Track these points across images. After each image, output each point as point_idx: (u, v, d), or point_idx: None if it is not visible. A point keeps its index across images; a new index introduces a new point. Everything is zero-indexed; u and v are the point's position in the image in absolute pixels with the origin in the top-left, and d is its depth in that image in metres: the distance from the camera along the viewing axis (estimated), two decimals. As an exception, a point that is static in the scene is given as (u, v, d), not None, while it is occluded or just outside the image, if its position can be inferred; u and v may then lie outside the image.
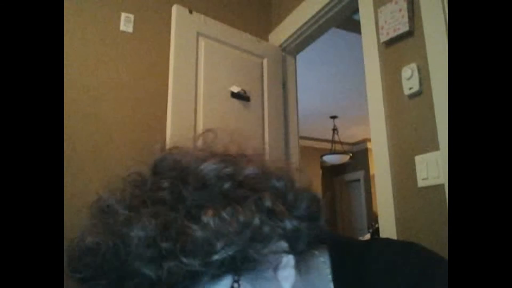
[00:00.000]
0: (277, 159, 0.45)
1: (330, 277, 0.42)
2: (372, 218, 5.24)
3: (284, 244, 0.37)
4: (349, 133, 6.07)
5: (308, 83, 4.06)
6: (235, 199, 0.36)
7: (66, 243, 0.37)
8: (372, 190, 5.87)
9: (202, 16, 1.92)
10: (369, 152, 6.30)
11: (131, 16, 1.89)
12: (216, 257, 0.32)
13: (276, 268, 0.37)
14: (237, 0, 2.27)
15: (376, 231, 4.01)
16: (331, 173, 7.03)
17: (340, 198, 7.11)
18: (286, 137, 2.18)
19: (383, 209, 1.39)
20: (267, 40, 2.30)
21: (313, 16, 1.98)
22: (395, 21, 1.38)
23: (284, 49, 2.27)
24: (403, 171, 1.34)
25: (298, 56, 2.39)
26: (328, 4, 1.87)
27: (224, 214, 0.34)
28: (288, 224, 0.37)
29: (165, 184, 0.36)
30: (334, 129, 5.53)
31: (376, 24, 1.50)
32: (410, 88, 1.32)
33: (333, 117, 5.39)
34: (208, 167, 0.38)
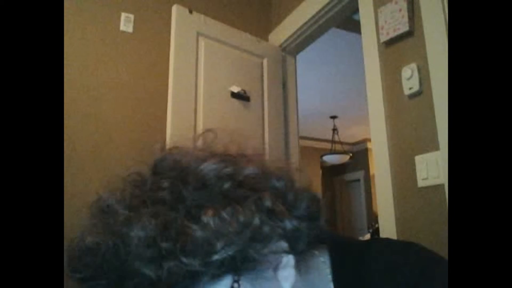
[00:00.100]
0: (277, 159, 0.45)
1: (330, 277, 0.42)
2: (372, 218, 5.25)
3: (284, 244, 0.37)
4: (349, 133, 6.07)
5: (308, 83, 4.06)
6: (235, 199, 0.36)
7: (66, 243, 0.37)
8: (372, 190, 5.87)
9: (202, 16, 1.92)
10: (369, 152, 6.30)
11: (131, 16, 1.89)
12: (216, 257, 0.32)
13: (276, 268, 0.37)
14: (237, 0, 2.27)
15: (376, 231, 4.01)
16: (331, 173, 7.03)
17: (340, 198, 7.11)
18: (286, 137, 2.18)
19: (383, 209, 1.39)
20: (267, 40, 2.30)
21: (313, 16, 1.98)
22: (395, 21, 1.38)
23: (284, 49, 2.27)
24: (403, 171, 1.34)
25: (298, 56, 2.39)
26: (328, 4, 1.87)
27: (224, 214, 0.34)
28: (288, 224, 0.37)
29: (165, 184, 0.36)
30: (334, 129, 5.53)
31: (376, 24, 1.50)
32: (410, 88, 1.32)
33: (333, 117, 5.39)
34: (208, 167, 0.38)
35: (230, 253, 0.33)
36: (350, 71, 3.84)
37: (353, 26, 2.70)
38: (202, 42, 1.89)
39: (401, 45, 1.39)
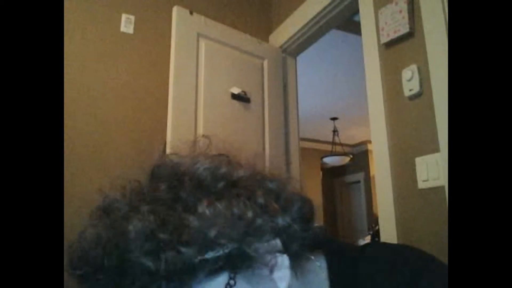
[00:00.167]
0: (270, 167, 0.46)
1: (326, 281, 0.42)
2: (373, 220, 5.24)
3: (278, 243, 0.38)
4: (350, 135, 6.07)
5: (309, 85, 4.06)
6: (229, 196, 0.37)
7: (66, 243, 0.37)
8: (372, 191, 5.87)
9: (203, 17, 1.92)
10: (369, 154, 6.30)
11: (132, 17, 1.89)
12: (211, 253, 0.33)
13: (271, 269, 0.37)
14: (237, 1, 2.28)
15: (376, 233, 4.01)
16: (332, 174, 7.03)
17: (340, 200, 7.11)
18: (287, 138, 2.18)
19: (383, 210, 1.39)
20: (267, 41, 2.31)
21: (314, 18, 1.98)
22: (395, 22, 1.38)
23: (284, 50, 2.27)
24: (403, 172, 1.34)
25: (298, 57, 2.39)
26: (328, 5, 1.87)
27: (218, 205, 0.35)
28: (281, 221, 0.38)
29: (163, 186, 0.38)
30: (335, 131, 5.53)
31: (376, 25, 1.50)
32: (410, 90, 1.32)
33: (334, 119, 5.40)
34: (203, 168, 0.39)
35: (225, 247, 0.34)
36: (350, 72, 3.84)
37: (354, 27, 2.70)
38: (202, 43, 1.89)
39: (401, 47, 1.40)
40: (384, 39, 1.43)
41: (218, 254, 0.34)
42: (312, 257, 0.43)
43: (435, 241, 1.18)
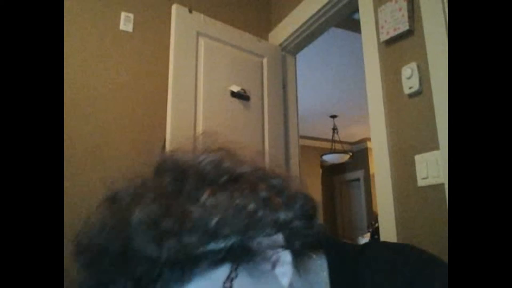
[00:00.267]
0: (273, 165, 0.46)
1: (327, 281, 0.42)
2: (372, 217, 5.25)
3: (280, 238, 0.38)
4: (349, 132, 6.07)
5: (308, 82, 4.06)
6: (232, 189, 0.37)
7: (66, 243, 0.37)
8: (372, 189, 5.88)
9: (202, 15, 1.92)
10: (369, 151, 6.30)
11: (131, 16, 1.89)
12: (214, 237, 0.34)
13: (274, 265, 0.37)
14: (237, -1, 2.27)
15: (376, 230, 4.02)
16: (331, 172, 7.03)
17: (340, 198, 7.11)
18: (286, 136, 2.18)
19: (383, 208, 1.39)
20: (267, 39, 2.30)
21: (313, 15, 1.98)
22: (395, 20, 1.38)
23: (284, 48, 2.27)
24: (403, 170, 1.34)
25: (298, 55, 2.39)
26: (328, 3, 1.87)
27: (220, 196, 0.36)
28: (283, 215, 0.38)
29: (167, 179, 0.38)
30: (334, 129, 5.53)
31: (376, 23, 1.50)
32: (410, 88, 1.32)
33: (333, 116, 5.39)
34: (207, 162, 0.40)
35: (228, 239, 0.34)
36: (350, 70, 3.84)
37: (353, 25, 2.70)
38: (202, 42, 1.88)
39: (401, 44, 1.39)
40: (384, 37, 1.43)
41: (220, 245, 0.34)
42: (314, 255, 0.43)
43: (435, 238, 1.18)
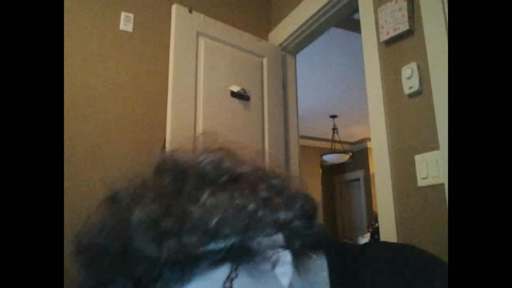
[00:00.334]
0: (273, 165, 0.46)
1: (327, 280, 0.42)
2: (372, 217, 5.25)
3: (280, 238, 0.38)
4: (349, 132, 6.07)
5: (308, 82, 4.06)
6: (232, 189, 0.37)
7: (66, 243, 0.37)
8: (372, 189, 5.87)
9: (202, 15, 1.92)
10: (369, 151, 6.30)
11: (131, 16, 1.89)
12: (214, 237, 0.34)
13: (274, 265, 0.37)
14: (237, -1, 2.27)
15: (376, 230, 4.02)
16: (331, 172, 7.03)
17: (340, 197, 7.11)
18: (286, 136, 2.18)
19: (383, 208, 1.39)
20: (267, 39, 2.30)
21: (313, 15, 1.98)
22: (395, 20, 1.38)
23: (284, 48, 2.27)
24: (403, 170, 1.34)
25: (298, 55, 2.39)
26: (328, 3, 1.87)
27: (220, 196, 0.36)
28: (283, 215, 0.38)
29: (167, 179, 0.38)
30: (334, 129, 5.53)
31: (376, 23, 1.50)
32: (410, 87, 1.32)
33: (333, 116, 5.39)
34: (207, 162, 0.40)
35: (228, 239, 0.34)
36: (350, 70, 3.84)
37: (353, 25, 2.70)
38: (202, 42, 1.88)
39: (401, 44, 1.39)
40: (384, 37, 1.43)
41: (220, 245, 0.34)
42: (314, 256, 0.43)
43: (435, 238, 1.18)
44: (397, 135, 1.38)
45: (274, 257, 0.37)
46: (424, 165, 1.25)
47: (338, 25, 2.60)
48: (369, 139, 5.77)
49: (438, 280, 0.37)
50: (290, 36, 2.18)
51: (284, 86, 2.24)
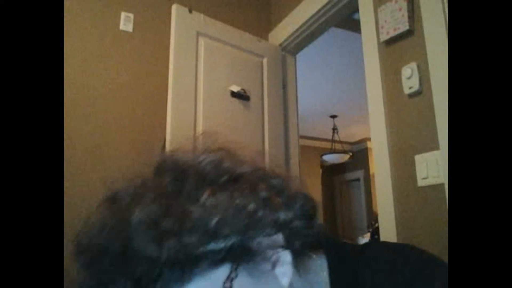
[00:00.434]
0: (273, 165, 0.46)
1: (327, 280, 0.42)
2: (372, 217, 5.25)
3: (280, 238, 0.38)
4: (349, 132, 6.07)
5: (308, 82, 4.06)
6: (232, 189, 0.37)
7: (66, 243, 0.37)
8: (372, 189, 5.87)
9: (202, 15, 1.92)
10: (369, 151, 6.30)
11: (131, 16, 1.89)
12: (214, 237, 0.34)
13: (274, 265, 0.37)
14: (237, -1, 2.27)
15: (376, 230, 4.02)
16: (331, 172, 7.03)
17: (340, 197, 7.11)
18: (286, 136, 2.18)
19: (383, 208, 1.39)
20: (267, 39, 2.30)
21: (313, 15, 1.98)
22: (395, 20, 1.38)
23: (284, 48, 2.27)
24: (403, 170, 1.34)
25: (298, 55, 2.39)
26: (327, 3, 1.87)
27: (220, 196, 0.36)
28: (283, 215, 0.38)
29: (167, 179, 0.38)
30: (334, 129, 5.53)
31: (376, 23, 1.50)
32: (410, 87, 1.32)
33: (333, 116, 5.40)
34: (207, 162, 0.40)
35: (228, 239, 0.34)
36: (350, 70, 3.84)
37: (353, 25, 2.70)
38: (202, 42, 1.88)
39: (401, 44, 1.39)
40: (384, 37, 1.43)
41: (220, 245, 0.34)
42: (314, 256, 0.43)
43: (435, 238, 1.18)
44: (397, 135, 1.38)
45: (274, 257, 0.37)
46: (424, 165, 1.25)
47: (338, 25, 2.60)
48: (369, 139, 5.77)
49: (438, 280, 0.37)
50: (290, 36, 2.18)
51: (284, 86, 2.24)
